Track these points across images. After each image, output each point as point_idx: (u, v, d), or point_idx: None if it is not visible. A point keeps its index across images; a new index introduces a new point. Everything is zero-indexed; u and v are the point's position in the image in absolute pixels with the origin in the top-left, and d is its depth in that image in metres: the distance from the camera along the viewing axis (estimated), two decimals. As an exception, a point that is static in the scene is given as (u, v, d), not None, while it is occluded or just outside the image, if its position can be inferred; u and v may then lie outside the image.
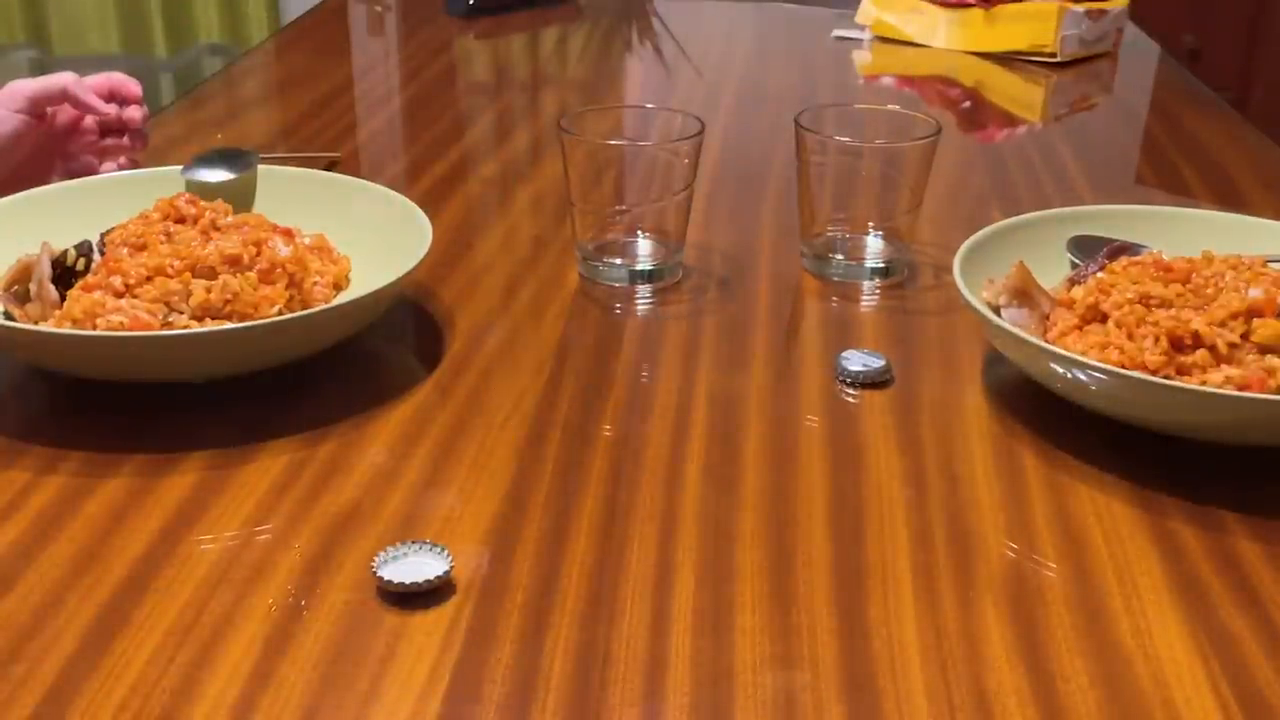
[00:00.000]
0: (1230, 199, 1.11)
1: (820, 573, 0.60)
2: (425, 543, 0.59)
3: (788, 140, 0.93)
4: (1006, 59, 1.51)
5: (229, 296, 0.75)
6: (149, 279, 0.75)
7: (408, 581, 0.57)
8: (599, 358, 0.81)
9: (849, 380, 0.77)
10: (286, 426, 0.71)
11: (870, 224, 0.93)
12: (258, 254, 0.77)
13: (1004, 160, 1.24)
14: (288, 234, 0.81)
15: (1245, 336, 0.68)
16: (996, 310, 0.75)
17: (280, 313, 0.75)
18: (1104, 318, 0.72)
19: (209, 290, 0.74)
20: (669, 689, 0.53)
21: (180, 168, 0.92)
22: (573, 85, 1.46)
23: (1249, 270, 0.72)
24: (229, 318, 0.74)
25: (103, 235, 0.81)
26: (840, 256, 0.93)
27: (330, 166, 1.09)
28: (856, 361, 0.78)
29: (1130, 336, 0.70)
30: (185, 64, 3.00)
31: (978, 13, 1.52)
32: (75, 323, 0.73)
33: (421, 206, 0.85)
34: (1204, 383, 0.67)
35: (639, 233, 0.92)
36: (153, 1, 2.94)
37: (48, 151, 1.00)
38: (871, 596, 0.58)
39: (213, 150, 0.95)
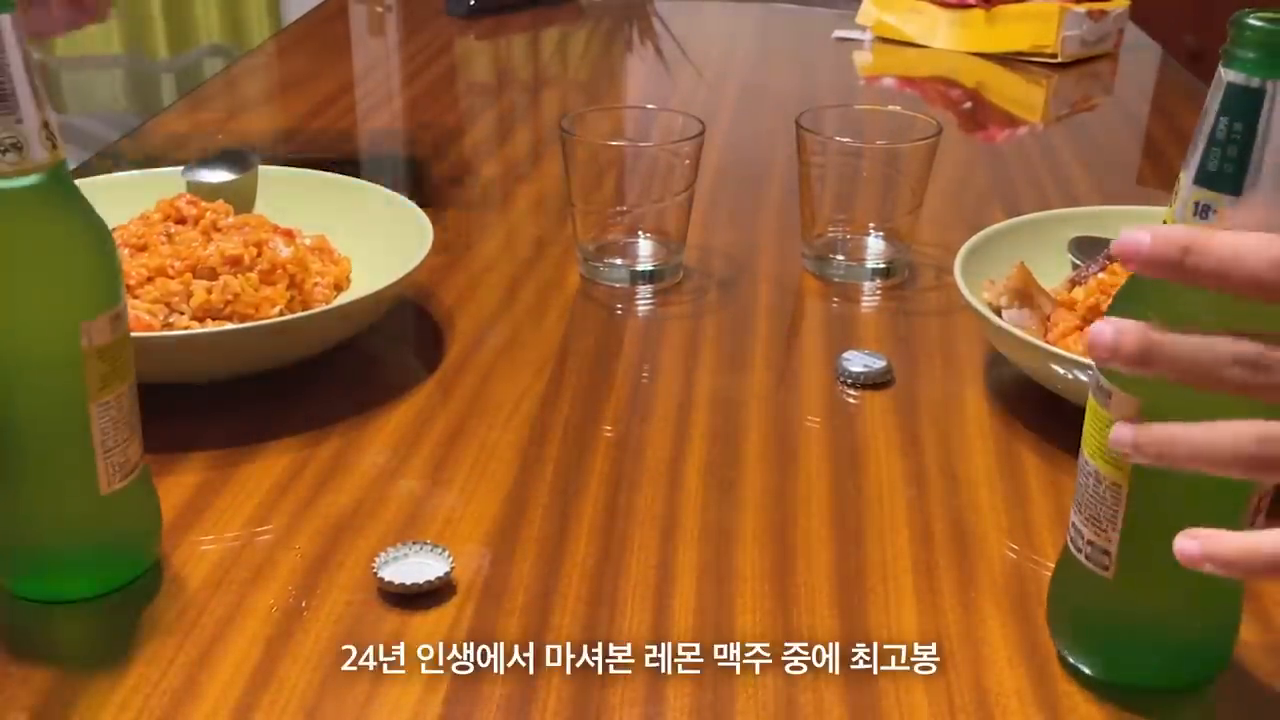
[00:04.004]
0: (1231, 199, 1.11)
1: (820, 573, 0.60)
2: (426, 543, 0.60)
3: (788, 141, 0.93)
4: (1007, 59, 1.51)
5: (230, 297, 0.75)
6: (150, 280, 0.75)
7: (408, 582, 0.57)
8: (600, 359, 0.81)
9: (850, 381, 0.77)
10: (287, 427, 0.71)
11: (871, 225, 0.93)
12: (258, 255, 0.77)
13: (1005, 161, 1.24)
14: (288, 235, 0.81)
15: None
16: (997, 311, 0.75)
17: (281, 314, 0.75)
18: (1104, 318, 0.72)
19: (210, 291, 0.74)
20: (669, 689, 0.53)
21: (181, 168, 0.92)
22: (574, 86, 1.46)
23: (1250, 271, 0.72)
24: (230, 319, 0.75)
25: (104, 236, 0.81)
26: (841, 257, 0.93)
27: (330, 167, 1.09)
28: (857, 362, 0.78)
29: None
30: (186, 65, 3.00)
31: (979, 13, 1.52)
32: (76, 323, 0.73)
33: (422, 207, 0.85)
34: (1204, 383, 0.67)
35: (640, 233, 0.92)
36: (154, 3, 2.94)
37: None
38: (871, 596, 0.58)
39: (214, 151, 0.95)
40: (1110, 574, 0.51)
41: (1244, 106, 0.44)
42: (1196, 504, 0.49)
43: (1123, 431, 0.45)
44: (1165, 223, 0.48)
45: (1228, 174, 0.45)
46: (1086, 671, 0.54)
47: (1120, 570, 0.50)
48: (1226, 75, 0.45)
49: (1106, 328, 0.44)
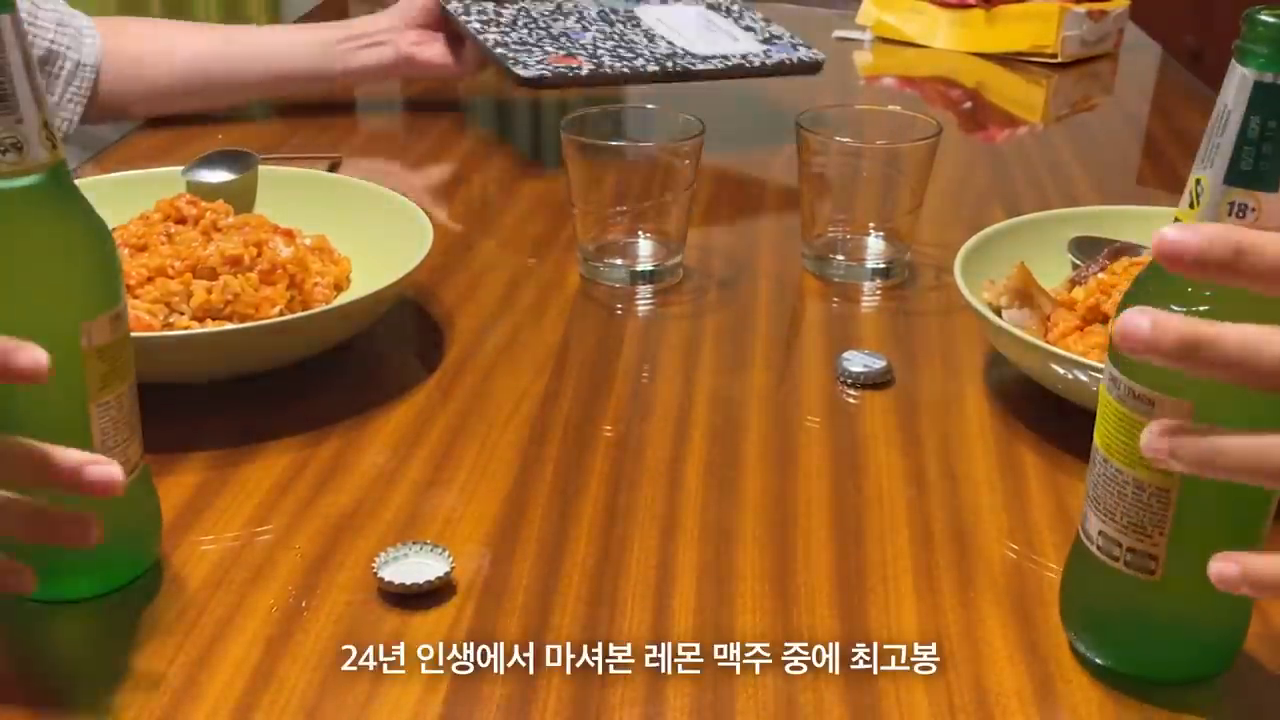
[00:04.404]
0: (1231, 199, 1.11)
1: (820, 573, 0.60)
2: (426, 543, 0.59)
3: (789, 141, 0.93)
4: (1007, 59, 1.51)
5: (230, 297, 0.75)
6: (150, 280, 0.75)
7: (408, 582, 0.57)
8: (600, 358, 0.81)
9: (850, 381, 0.77)
10: (287, 427, 0.71)
11: (871, 225, 0.93)
12: (258, 255, 0.77)
13: (1005, 161, 1.24)
14: (288, 235, 0.81)
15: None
16: (997, 311, 0.75)
17: (281, 314, 0.75)
18: (1105, 319, 0.72)
19: (210, 291, 0.74)
20: (669, 689, 0.53)
21: (181, 168, 0.92)
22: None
23: (1250, 271, 0.72)
24: (230, 319, 0.75)
25: (104, 236, 0.81)
26: (841, 257, 0.93)
27: (332, 168, 1.09)
28: (857, 362, 0.78)
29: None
30: (186, 65, 3.00)
31: (979, 13, 1.52)
32: (76, 323, 0.73)
33: (422, 207, 0.85)
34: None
35: (640, 233, 0.92)
36: (153, 2, 2.94)
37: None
38: (871, 596, 0.58)
39: (214, 151, 0.95)
40: (1157, 576, 0.51)
41: (1276, 103, 0.44)
42: (1245, 500, 0.49)
43: (1158, 441, 0.44)
44: (1177, 217, 0.47)
45: (1264, 171, 0.45)
46: (1099, 662, 0.54)
47: (1169, 572, 0.50)
48: (1249, 74, 0.44)
49: (1141, 319, 0.41)
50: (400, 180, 1.10)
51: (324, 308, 0.78)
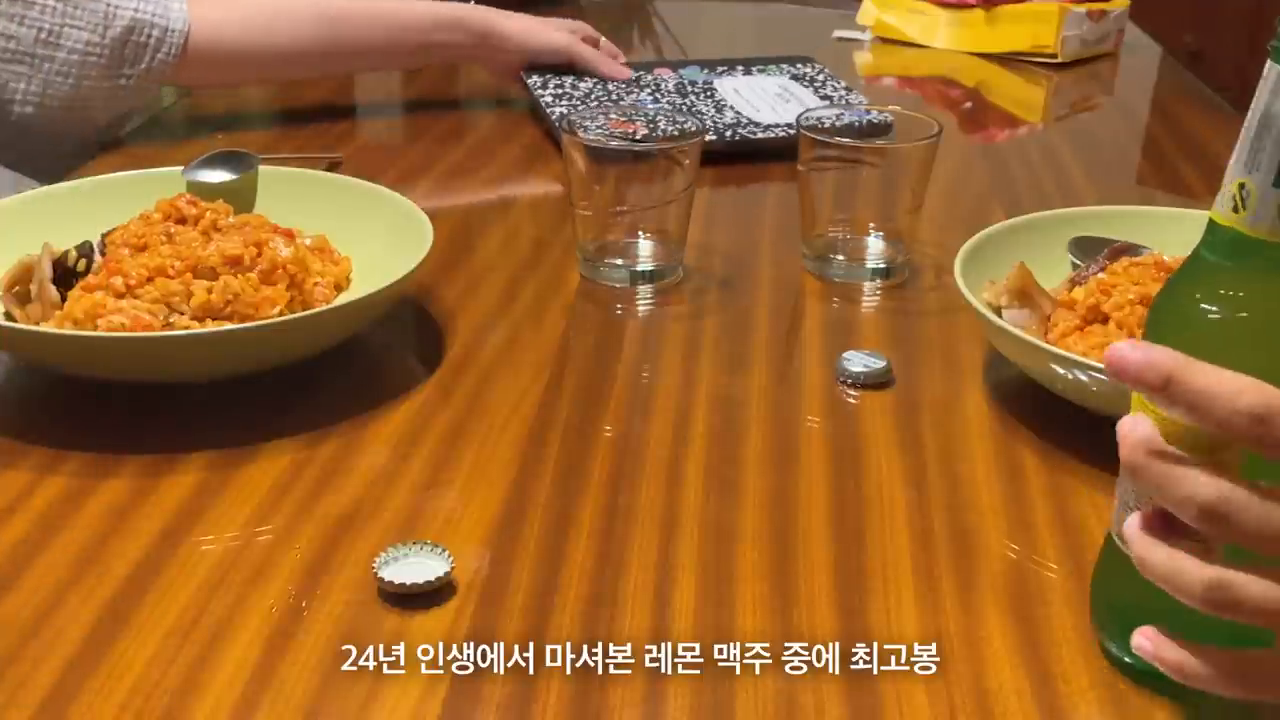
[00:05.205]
0: (1231, 199, 1.11)
1: (821, 573, 0.60)
2: (426, 543, 0.59)
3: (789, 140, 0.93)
4: (1007, 59, 1.51)
5: (230, 297, 0.75)
6: (150, 279, 0.75)
7: (408, 582, 0.57)
8: (600, 358, 0.81)
9: (850, 381, 0.77)
10: (287, 427, 0.71)
11: (871, 225, 0.93)
12: (259, 255, 0.77)
13: (1005, 161, 1.24)
14: (289, 235, 0.81)
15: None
16: (997, 311, 0.75)
17: (281, 314, 0.75)
18: (1105, 319, 0.72)
19: (210, 291, 0.74)
20: (669, 689, 0.53)
21: (181, 168, 0.92)
22: (574, 86, 1.45)
23: (1250, 271, 0.72)
24: (230, 318, 0.74)
25: (104, 236, 0.81)
26: (841, 257, 0.93)
27: (332, 167, 1.09)
28: (857, 362, 0.78)
29: (1131, 337, 0.70)
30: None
31: (979, 13, 1.52)
32: (76, 323, 0.73)
33: (422, 207, 0.85)
34: (1205, 383, 0.67)
35: (640, 233, 0.92)
36: None
37: None
38: (872, 597, 0.58)
39: (214, 151, 0.95)
40: None
41: None
42: None
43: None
44: (1217, 222, 0.47)
45: None
46: (1128, 662, 0.54)
47: None
48: None
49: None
50: (400, 180, 1.10)
51: (324, 308, 0.78)
